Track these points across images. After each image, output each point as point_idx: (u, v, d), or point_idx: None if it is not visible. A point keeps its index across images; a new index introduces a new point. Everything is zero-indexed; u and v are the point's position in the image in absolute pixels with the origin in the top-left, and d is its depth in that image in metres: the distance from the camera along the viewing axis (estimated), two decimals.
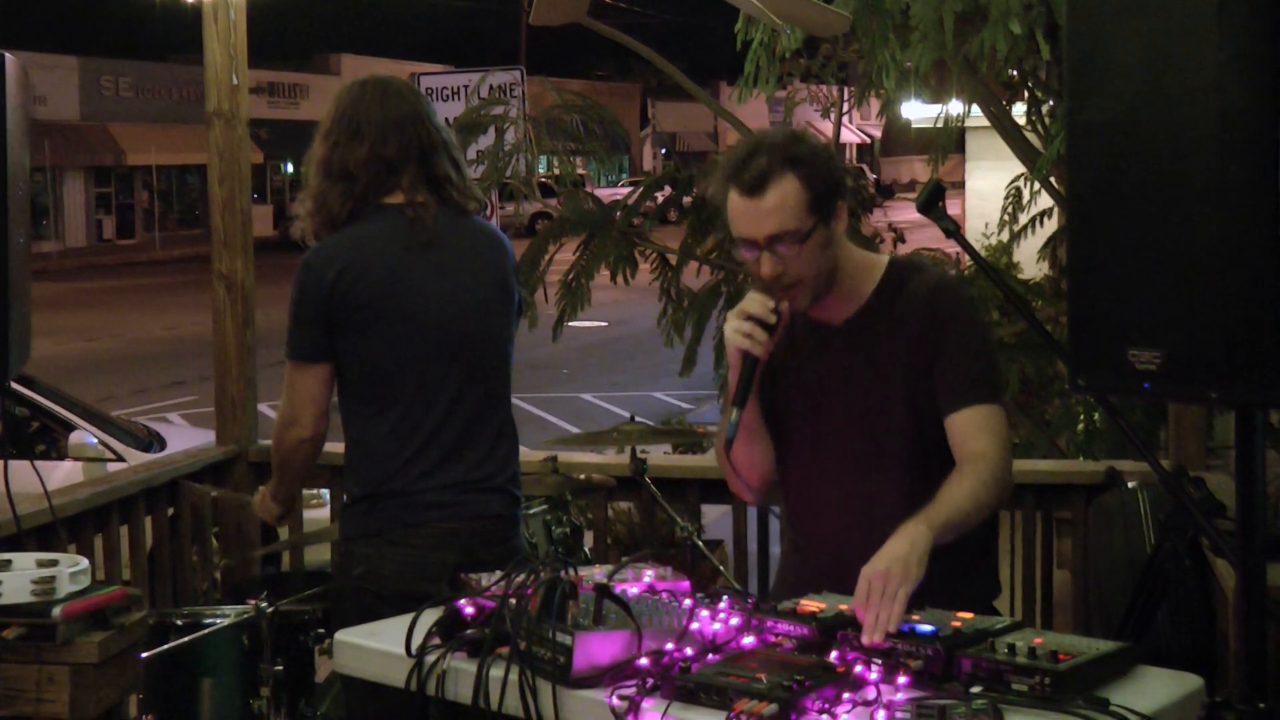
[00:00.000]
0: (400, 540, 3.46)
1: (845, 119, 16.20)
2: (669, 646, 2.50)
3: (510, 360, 3.68)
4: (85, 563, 3.53)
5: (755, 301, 2.94)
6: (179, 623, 3.93)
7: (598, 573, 2.83)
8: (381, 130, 3.50)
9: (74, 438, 8.35)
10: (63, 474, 7.87)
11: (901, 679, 2.42)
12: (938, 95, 7.66)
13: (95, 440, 8.38)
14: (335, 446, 3.88)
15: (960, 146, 15.57)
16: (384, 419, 3.50)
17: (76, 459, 8.22)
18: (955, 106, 7.80)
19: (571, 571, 2.68)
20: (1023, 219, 8.61)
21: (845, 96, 14.90)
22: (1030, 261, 9.44)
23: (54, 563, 3.50)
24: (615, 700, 2.40)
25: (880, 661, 2.46)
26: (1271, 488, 5.59)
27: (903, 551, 2.65)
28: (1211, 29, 2.25)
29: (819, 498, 3.12)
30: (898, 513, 2.81)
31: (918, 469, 2.99)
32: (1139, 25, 2.34)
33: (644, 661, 2.47)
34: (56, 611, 3.34)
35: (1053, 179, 6.43)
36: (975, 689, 2.38)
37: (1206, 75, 2.25)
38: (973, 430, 2.95)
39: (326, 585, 4.16)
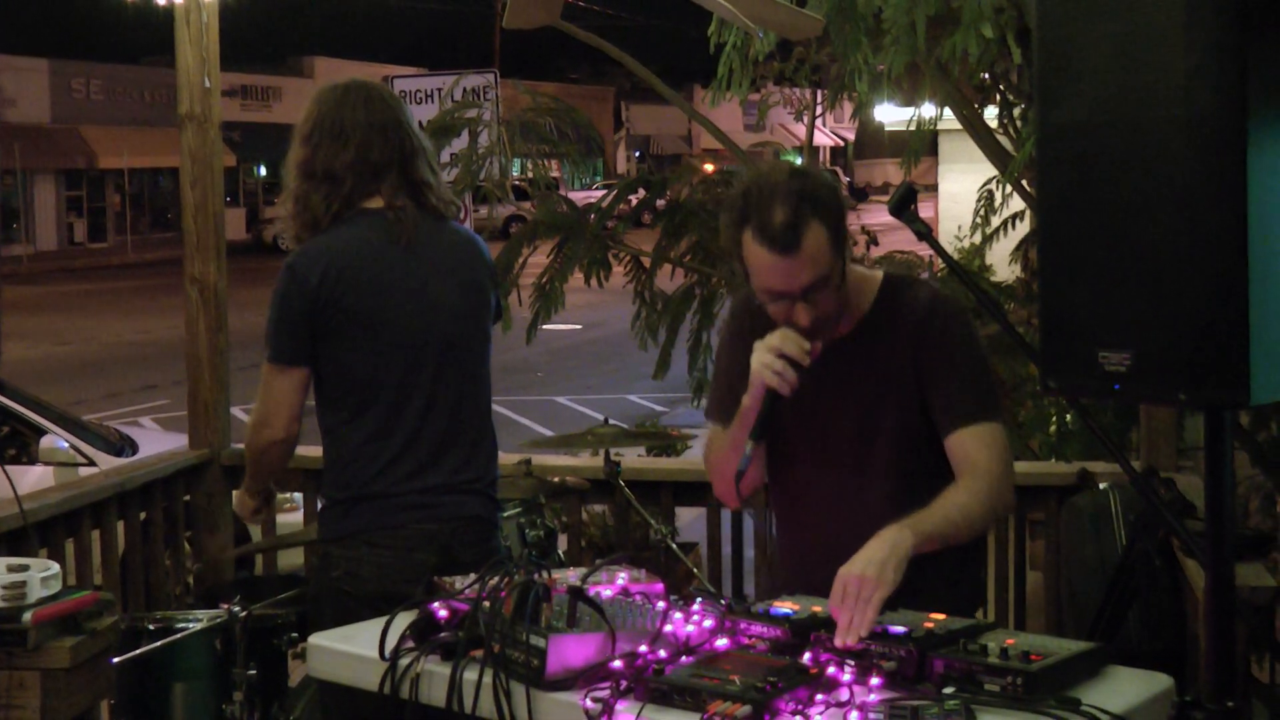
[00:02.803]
0: (378, 542, 3.46)
1: (818, 122, 16.23)
2: (643, 649, 2.51)
3: (488, 364, 3.69)
4: (56, 568, 3.53)
5: (791, 341, 2.90)
6: (151, 627, 3.91)
7: (571, 575, 2.83)
8: (366, 134, 3.50)
9: (45, 442, 8.30)
10: (34, 478, 7.83)
11: (875, 680, 2.43)
12: (910, 98, 7.66)
13: (67, 444, 8.33)
14: (311, 450, 3.88)
15: (933, 149, 15.60)
16: (363, 423, 3.50)
17: (48, 463, 8.17)
18: (928, 109, 7.81)
19: (545, 574, 2.69)
20: (995, 222, 8.63)
21: (818, 99, 14.93)
22: (1003, 264, 9.48)
23: (25, 568, 3.50)
24: (589, 703, 2.40)
25: (853, 663, 2.47)
26: (1241, 488, 5.63)
27: (880, 555, 2.66)
28: (1180, 33, 2.26)
29: (813, 508, 3.13)
30: (887, 522, 2.80)
31: (908, 480, 3.00)
32: (1108, 29, 2.36)
33: (618, 664, 2.47)
34: (27, 616, 3.34)
35: (1024, 182, 6.45)
36: (948, 690, 2.40)
37: (1175, 79, 2.27)
38: (973, 448, 2.95)
39: (302, 588, 4.15)
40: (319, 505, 3.66)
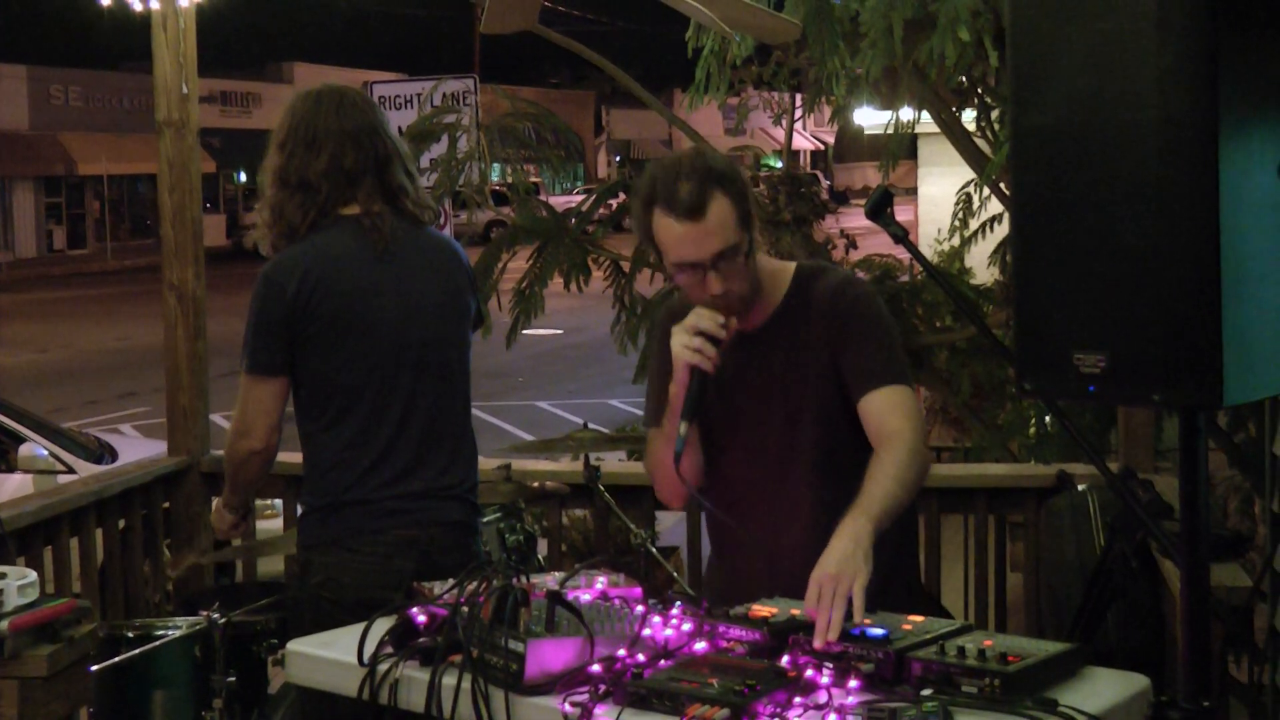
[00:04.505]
0: (359, 548, 3.46)
1: (798, 125, 16.24)
2: (621, 653, 2.51)
3: (468, 369, 3.69)
4: (33, 575, 3.52)
5: (705, 317, 2.99)
6: (130, 635, 3.90)
7: (550, 580, 2.83)
8: (340, 141, 3.50)
9: (24, 450, 8.28)
10: (13, 486, 7.81)
11: (853, 682, 2.44)
12: (889, 102, 7.69)
13: (46, 452, 8.32)
14: (291, 456, 3.87)
15: (912, 153, 15.62)
16: (342, 429, 3.50)
17: (27, 471, 8.16)
18: (906, 113, 7.84)
19: (523, 579, 2.69)
20: (974, 224, 8.65)
21: (797, 103, 14.95)
22: (982, 266, 9.50)
23: (2, 576, 3.48)
24: (568, 707, 2.41)
25: (832, 665, 2.47)
26: (1219, 489, 5.65)
27: (848, 550, 2.68)
28: (1152, 36, 2.28)
29: (740, 501, 3.15)
30: (811, 512, 2.96)
31: (830, 469, 3.06)
32: (1081, 32, 2.37)
33: (596, 668, 2.48)
34: (4, 625, 3.32)
35: (1002, 184, 6.48)
36: (926, 692, 2.40)
37: (1147, 81, 2.28)
38: (886, 411, 3.00)
39: (282, 595, 4.14)
40: (298, 512, 3.65)
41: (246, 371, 3.50)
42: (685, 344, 2.98)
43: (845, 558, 2.66)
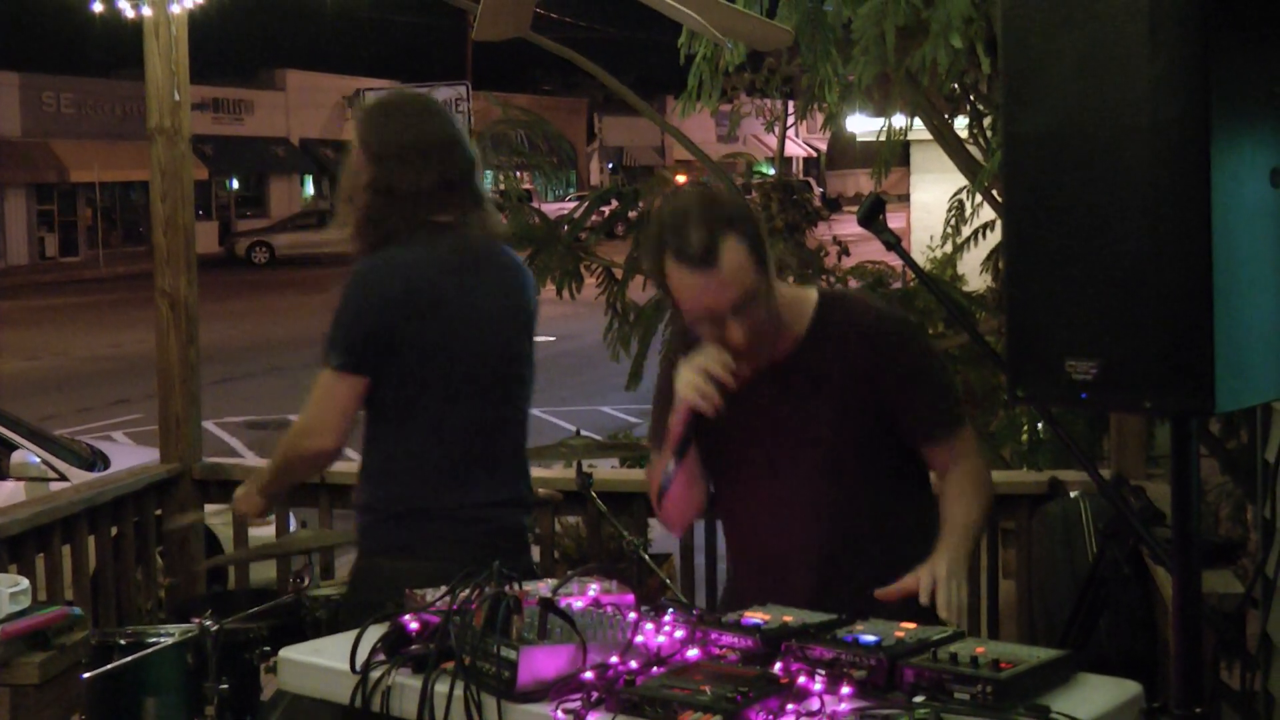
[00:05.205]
0: (430, 556, 3.44)
1: (790, 132, 16.28)
2: (614, 660, 2.51)
3: (532, 384, 3.73)
4: (25, 583, 3.52)
5: (716, 362, 2.92)
6: (122, 642, 3.89)
7: (542, 587, 2.83)
8: (441, 150, 3.51)
9: (16, 457, 8.26)
10: (5, 494, 7.80)
11: (845, 689, 2.43)
12: (881, 109, 7.70)
13: (38, 460, 8.29)
14: None
15: (905, 160, 15.65)
16: (417, 436, 3.50)
17: (19, 479, 8.13)
18: (898, 120, 7.85)
19: (516, 586, 2.69)
20: (966, 231, 8.67)
21: (790, 110, 14.97)
22: (975, 273, 9.52)
23: None
24: (560, 714, 2.40)
25: (824, 672, 2.47)
26: (1211, 496, 5.66)
27: (956, 558, 2.87)
28: (1144, 43, 2.28)
29: (761, 522, 3.14)
30: (828, 534, 3.00)
31: (854, 488, 3.06)
32: (1073, 39, 2.37)
33: (589, 675, 2.47)
34: None
35: (994, 191, 6.48)
36: (918, 698, 2.40)
37: (1139, 88, 2.29)
38: (960, 455, 3.07)
39: (273, 602, 4.14)
40: (361, 517, 3.61)
41: (333, 368, 3.46)
42: (690, 383, 2.92)
43: (955, 562, 2.82)
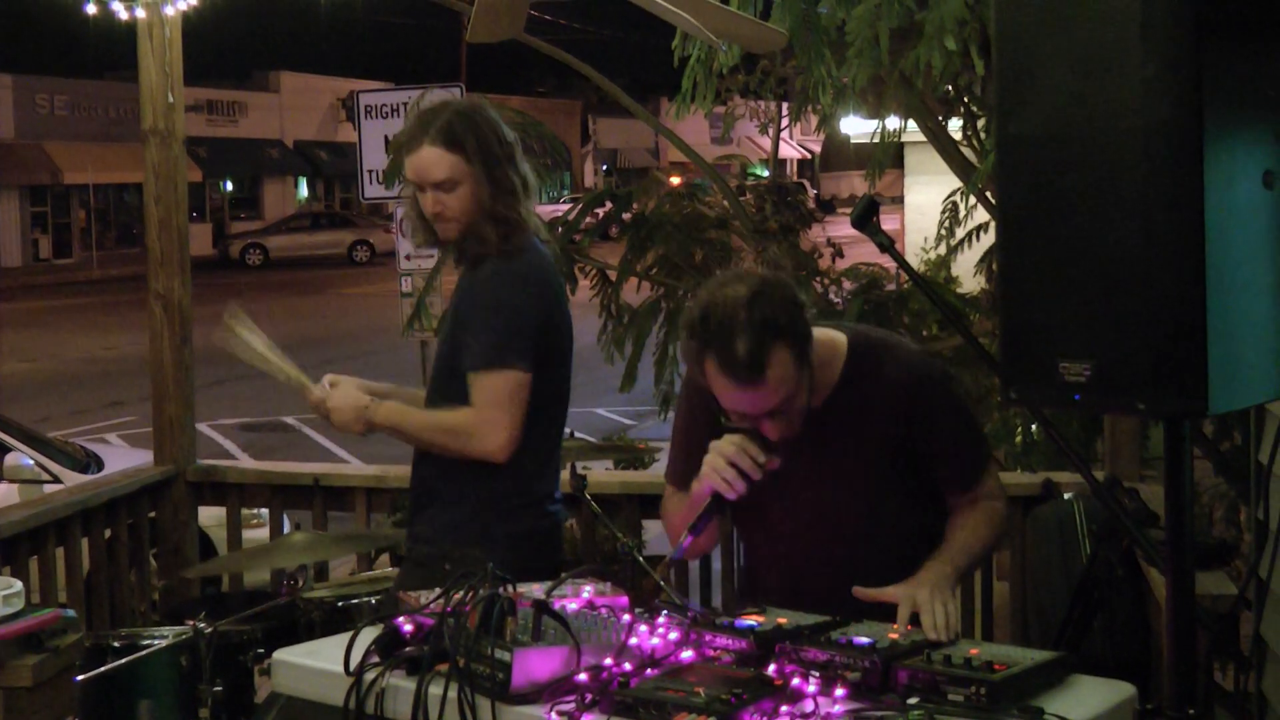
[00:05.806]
0: (519, 547, 3.54)
1: (785, 134, 16.29)
2: (607, 661, 2.51)
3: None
4: (19, 585, 3.51)
5: (745, 455, 2.90)
6: (116, 644, 3.89)
7: (536, 589, 2.83)
8: (520, 153, 3.68)
9: (10, 460, 8.26)
10: None
11: (839, 691, 2.44)
12: (875, 110, 7.70)
13: (32, 462, 8.29)
14: (278, 465, 3.86)
15: (899, 161, 15.67)
16: (541, 429, 3.61)
17: (13, 481, 8.13)
18: (892, 122, 7.84)
19: (510, 588, 2.69)
20: (960, 233, 8.67)
21: (784, 112, 14.97)
22: (969, 275, 9.51)
23: None
24: (554, 716, 2.41)
25: (818, 674, 2.48)
26: (1205, 497, 5.66)
27: (938, 579, 2.86)
28: (1136, 45, 2.29)
29: (788, 562, 3.15)
30: (861, 574, 2.93)
31: (882, 531, 3.08)
32: (1066, 41, 2.38)
33: (582, 677, 2.47)
34: None
35: (988, 193, 6.48)
36: (912, 700, 2.40)
37: (1132, 90, 2.29)
38: (985, 496, 3.11)
39: (267, 604, 4.13)
40: (447, 510, 3.63)
41: (517, 368, 3.49)
42: (718, 469, 2.91)
43: (939, 582, 2.82)
